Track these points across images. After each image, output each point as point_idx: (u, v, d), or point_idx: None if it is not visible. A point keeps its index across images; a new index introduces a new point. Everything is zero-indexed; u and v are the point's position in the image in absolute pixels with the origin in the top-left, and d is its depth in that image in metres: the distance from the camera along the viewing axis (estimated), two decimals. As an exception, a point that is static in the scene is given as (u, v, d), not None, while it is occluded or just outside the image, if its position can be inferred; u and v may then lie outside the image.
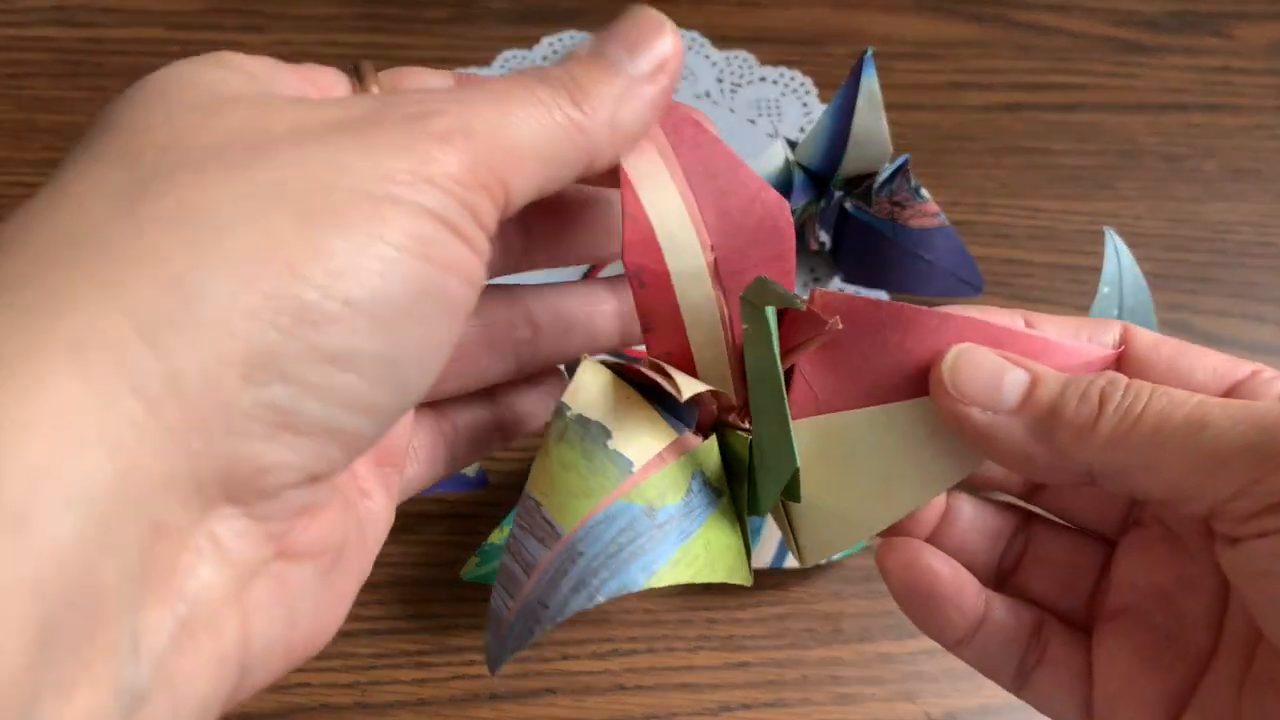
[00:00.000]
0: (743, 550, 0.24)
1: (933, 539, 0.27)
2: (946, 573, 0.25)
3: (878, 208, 0.48)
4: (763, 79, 0.58)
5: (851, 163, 0.48)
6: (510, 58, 0.58)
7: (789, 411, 0.22)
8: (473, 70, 0.58)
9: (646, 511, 0.22)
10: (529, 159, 0.21)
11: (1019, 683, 0.26)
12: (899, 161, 0.48)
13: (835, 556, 0.41)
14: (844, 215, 0.49)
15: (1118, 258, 0.43)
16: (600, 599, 0.21)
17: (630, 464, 0.23)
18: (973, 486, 0.27)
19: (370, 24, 0.60)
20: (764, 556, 0.41)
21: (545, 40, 0.59)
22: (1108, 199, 0.54)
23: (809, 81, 0.58)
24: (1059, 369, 0.23)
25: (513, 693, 0.40)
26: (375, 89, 0.24)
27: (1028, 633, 0.26)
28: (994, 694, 0.39)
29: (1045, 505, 0.27)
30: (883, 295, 0.50)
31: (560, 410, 0.23)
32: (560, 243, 0.27)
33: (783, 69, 0.59)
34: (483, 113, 0.20)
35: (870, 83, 0.47)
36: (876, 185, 0.48)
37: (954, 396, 0.23)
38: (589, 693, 0.40)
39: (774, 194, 0.24)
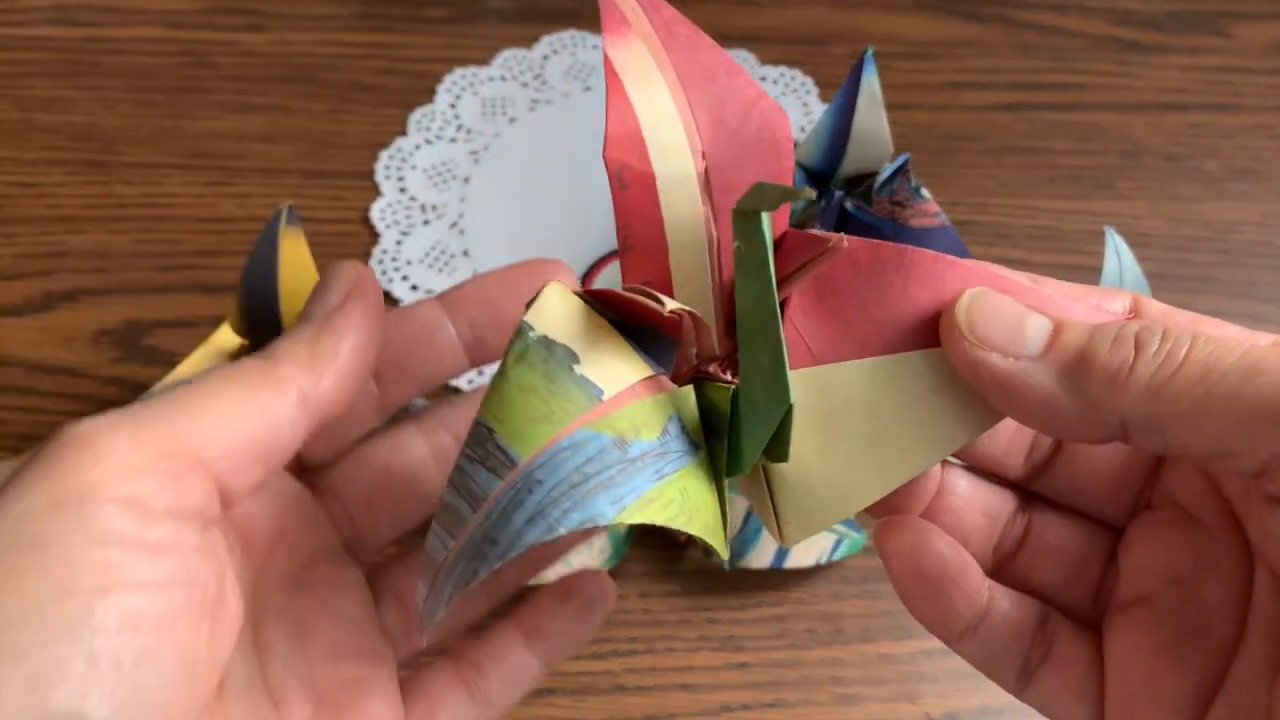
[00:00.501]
0: (719, 514, 0.22)
1: (927, 516, 0.25)
2: (952, 555, 0.23)
3: (878, 207, 0.48)
4: (763, 78, 0.58)
5: (852, 162, 0.48)
6: (510, 57, 0.58)
7: (784, 344, 0.20)
8: (472, 69, 0.58)
9: (617, 442, 0.20)
10: (216, 428, 0.20)
11: (1022, 682, 0.24)
12: (899, 161, 0.48)
13: (837, 556, 0.41)
14: (844, 215, 0.49)
15: (1118, 258, 0.43)
16: (561, 530, 0.19)
17: (599, 391, 0.20)
18: (967, 465, 0.25)
19: (370, 23, 0.60)
20: (764, 557, 0.41)
21: (545, 39, 0.59)
22: (1108, 199, 0.54)
23: (809, 81, 0.58)
24: None
25: (512, 693, 0.40)
26: None
27: (1033, 626, 0.24)
28: (994, 695, 0.39)
29: (1047, 490, 0.25)
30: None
31: (521, 330, 0.20)
32: (411, 376, 0.28)
33: (783, 68, 0.59)
34: (142, 409, 0.20)
35: (871, 82, 0.46)
36: (877, 185, 0.48)
37: (971, 341, 0.21)
38: (588, 693, 0.40)
39: (773, 103, 0.22)
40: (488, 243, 0.51)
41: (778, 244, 0.22)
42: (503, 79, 0.58)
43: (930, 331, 0.21)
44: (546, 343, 0.20)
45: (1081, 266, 0.51)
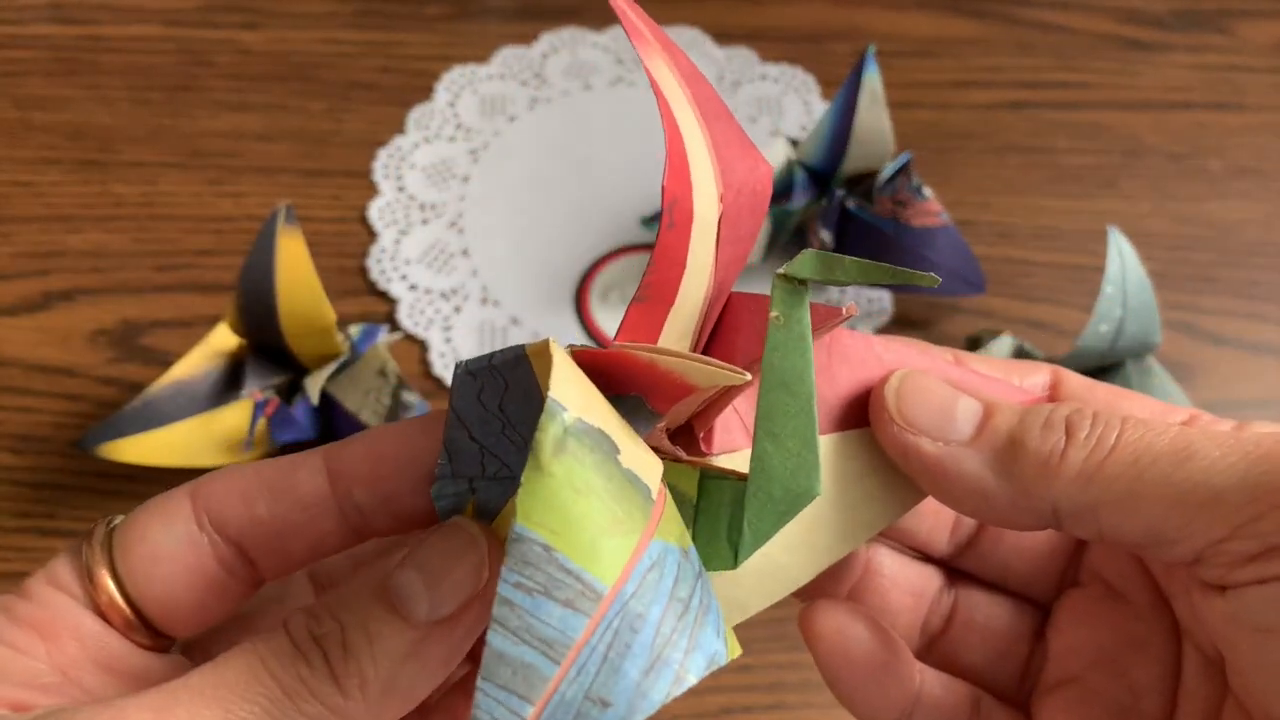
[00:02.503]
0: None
1: (853, 596, 0.24)
2: (883, 639, 0.22)
3: (879, 207, 0.48)
4: (764, 76, 0.58)
5: (853, 161, 0.48)
6: (509, 55, 0.58)
7: (818, 424, 0.18)
8: (471, 67, 0.57)
9: (685, 554, 0.17)
10: None
11: None
12: (901, 160, 0.48)
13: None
14: (845, 215, 0.48)
15: (1121, 257, 0.43)
16: (690, 680, 0.15)
17: (649, 489, 0.17)
18: (893, 544, 0.24)
19: (368, 21, 0.59)
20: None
21: (545, 37, 0.59)
22: (1111, 198, 0.54)
23: (810, 79, 0.58)
24: None
25: (512, 696, 0.39)
26: (107, 580, 0.20)
27: (966, 712, 0.23)
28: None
29: (972, 568, 0.25)
30: (885, 294, 0.50)
31: (552, 412, 0.16)
32: (288, 558, 0.22)
33: (784, 66, 0.58)
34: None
35: (872, 80, 0.46)
36: (878, 184, 0.48)
37: (900, 425, 0.20)
38: (588, 696, 0.39)
39: (763, 157, 0.21)
40: (487, 242, 0.51)
41: (724, 309, 0.20)
42: (502, 77, 0.57)
43: (856, 411, 0.21)
44: (586, 430, 0.16)
45: (1084, 266, 0.51)
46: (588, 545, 0.15)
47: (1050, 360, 0.44)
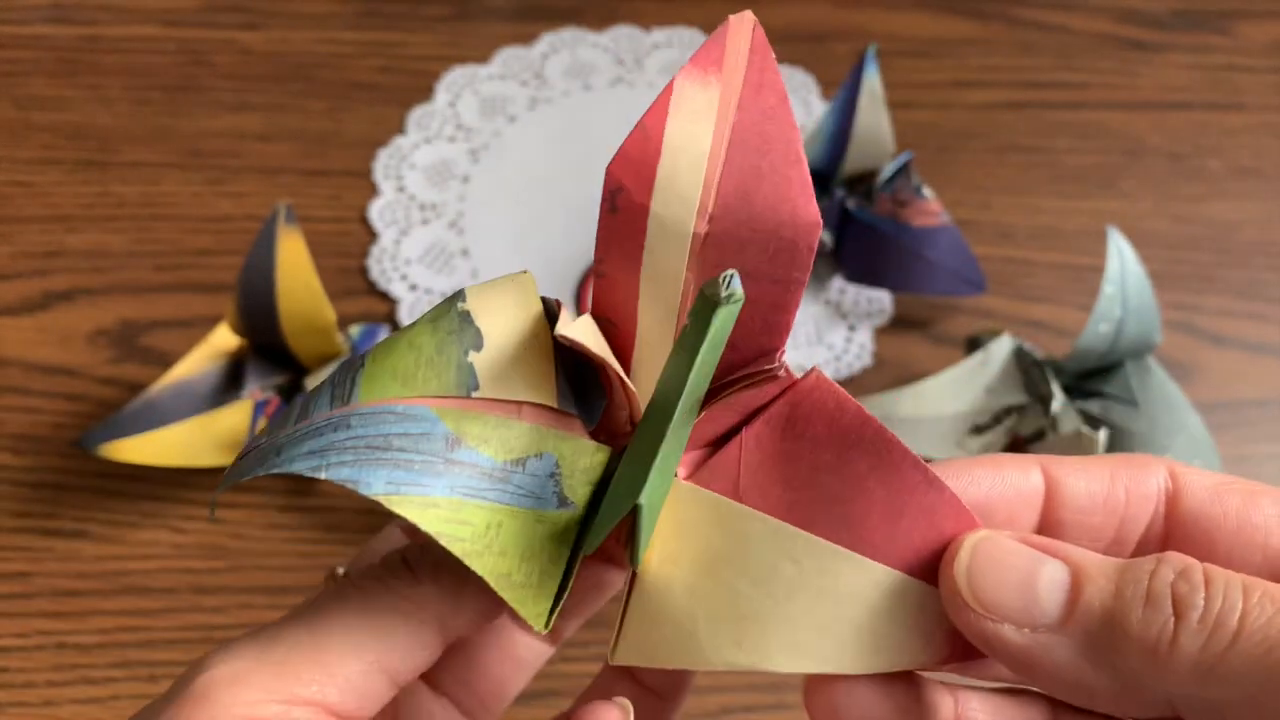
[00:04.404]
0: (550, 579, 0.20)
1: None
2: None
3: (880, 207, 0.48)
4: (764, 77, 0.58)
5: (854, 161, 0.48)
6: (509, 55, 0.58)
7: (668, 437, 0.17)
8: (471, 67, 0.57)
9: (449, 438, 0.19)
10: (344, 669, 0.19)
11: None
12: (901, 160, 0.48)
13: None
14: (846, 215, 0.48)
15: (1121, 257, 0.43)
16: (323, 475, 0.18)
17: (475, 385, 0.19)
18: (981, 683, 0.21)
19: (368, 21, 0.59)
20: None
21: (545, 37, 0.59)
22: (1111, 198, 0.54)
23: (811, 79, 0.58)
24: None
25: (512, 696, 0.39)
26: None
27: None
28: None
29: None
30: (885, 294, 0.50)
31: (455, 296, 0.20)
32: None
33: (784, 67, 0.58)
34: (268, 647, 0.19)
35: (872, 81, 0.46)
36: (879, 184, 0.48)
37: (978, 612, 0.17)
38: (589, 696, 0.39)
39: (814, 213, 0.20)
40: (487, 242, 0.51)
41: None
42: (502, 77, 0.57)
43: (867, 537, 0.19)
44: (465, 318, 0.20)
45: (1084, 266, 0.51)
46: (376, 376, 0.19)
47: (1050, 360, 0.44)
